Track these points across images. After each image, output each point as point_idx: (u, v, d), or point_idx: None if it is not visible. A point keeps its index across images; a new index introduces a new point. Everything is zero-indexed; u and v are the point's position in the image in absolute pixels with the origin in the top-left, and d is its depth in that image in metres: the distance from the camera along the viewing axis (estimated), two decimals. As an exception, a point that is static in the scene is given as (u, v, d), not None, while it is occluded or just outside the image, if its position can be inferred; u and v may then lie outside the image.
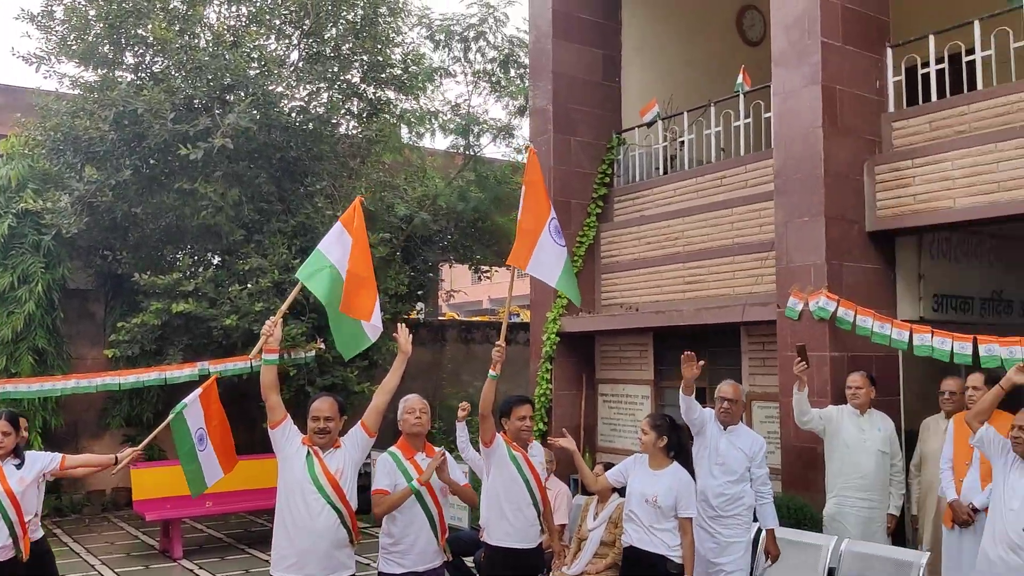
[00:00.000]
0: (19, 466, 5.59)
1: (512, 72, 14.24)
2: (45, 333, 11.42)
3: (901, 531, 7.19)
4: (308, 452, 4.77)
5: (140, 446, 6.15)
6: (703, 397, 8.06)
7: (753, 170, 9.03)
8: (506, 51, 14.15)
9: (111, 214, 11.15)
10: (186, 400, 6.10)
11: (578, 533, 6.88)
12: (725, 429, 6.16)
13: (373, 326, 5.63)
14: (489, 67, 14.25)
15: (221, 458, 6.10)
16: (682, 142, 10.23)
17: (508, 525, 5.51)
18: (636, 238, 10.36)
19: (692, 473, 5.52)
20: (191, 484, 6.16)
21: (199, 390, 6.18)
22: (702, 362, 6.01)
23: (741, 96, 9.27)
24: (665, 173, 10.47)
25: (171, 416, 6.04)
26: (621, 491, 5.96)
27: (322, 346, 10.59)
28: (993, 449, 5.07)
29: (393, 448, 5.20)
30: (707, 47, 11.62)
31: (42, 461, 5.75)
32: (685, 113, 10.08)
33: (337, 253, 5.55)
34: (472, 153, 14.61)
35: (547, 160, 10.45)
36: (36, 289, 11.23)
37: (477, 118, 14.41)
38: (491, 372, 5.55)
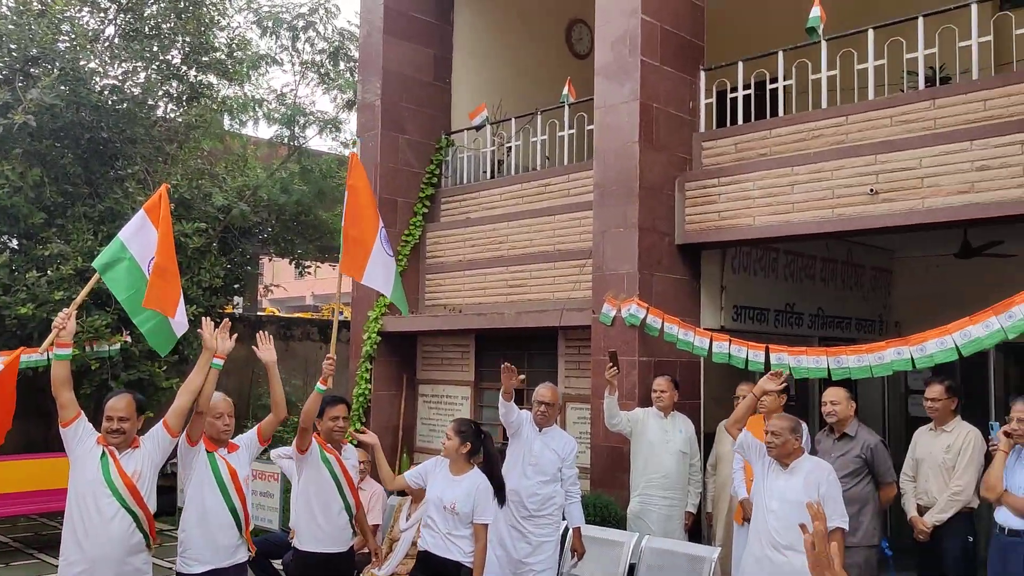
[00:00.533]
0: None
1: (342, 65, 13.99)
2: None
3: (698, 528, 7.59)
4: (103, 452, 4.53)
5: None
6: (521, 398, 8.24)
7: (575, 179, 9.32)
8: (336, 43, 13.88)
9: None
10: None
11: (390, 534, 6.87)
12: (541, 431, 6.30)
13: (178, 322, 5.42)
14: (318, 58, 13.93)
15: None
16: (509, 148, 10.42)
17: (318, 529, 5.44)
18: (461, 240, 10.45)
19: (498, 478, 5.45)
20: None
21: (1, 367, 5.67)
22: (523, 376, 6.11)
23: (566, 107, 9.53)
24: (492, 177, 10.64)
25: None
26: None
27: (128, 339, 10.00)
28: (752, 453, 5.29)
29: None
30: (537, 56, 11.89)
31: None
32: (513, 119, 10.26)
33: (138, 244, 5.27)
34: (297, 145, 14.26)
35: (374, 157, 10.40)
36: None
37: (303, 109, 14.04)
38: (319, 385, 5.44)
